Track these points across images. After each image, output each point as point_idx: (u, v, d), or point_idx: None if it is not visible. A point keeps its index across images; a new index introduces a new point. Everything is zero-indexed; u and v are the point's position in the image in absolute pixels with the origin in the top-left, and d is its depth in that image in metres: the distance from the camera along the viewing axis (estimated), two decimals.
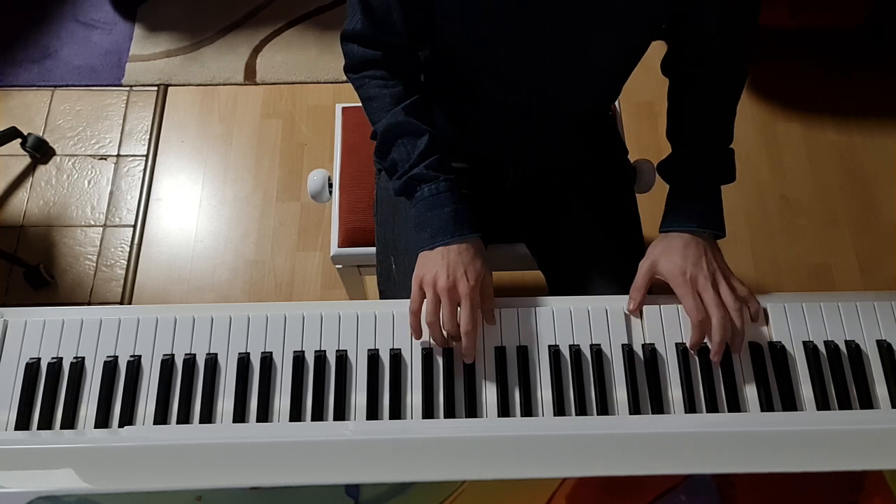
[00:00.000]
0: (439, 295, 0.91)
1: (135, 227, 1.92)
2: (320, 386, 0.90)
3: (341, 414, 0.89)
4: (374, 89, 1.01)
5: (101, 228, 1.92)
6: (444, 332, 0.91)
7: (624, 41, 0.99)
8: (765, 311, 0.95)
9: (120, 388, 0.90)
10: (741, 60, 1.03)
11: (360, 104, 1.06)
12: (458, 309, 0.92)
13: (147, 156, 2.02)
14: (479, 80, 1.05)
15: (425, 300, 0.93)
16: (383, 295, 1.15)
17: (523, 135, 1.12)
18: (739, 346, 0.92)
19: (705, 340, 0.92)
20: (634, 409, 0.89)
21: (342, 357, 0.92)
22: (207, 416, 0.89)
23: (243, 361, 0.91)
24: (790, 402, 0.90)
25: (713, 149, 1.02)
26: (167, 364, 0.91)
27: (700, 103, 1.03)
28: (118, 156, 2.02)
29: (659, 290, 0.97)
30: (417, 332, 0.93)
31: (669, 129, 1.06)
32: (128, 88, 2.12)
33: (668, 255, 0.96)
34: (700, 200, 0.99)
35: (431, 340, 0.93)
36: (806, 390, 0.91)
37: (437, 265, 0.93)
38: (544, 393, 0.91)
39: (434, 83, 1.11)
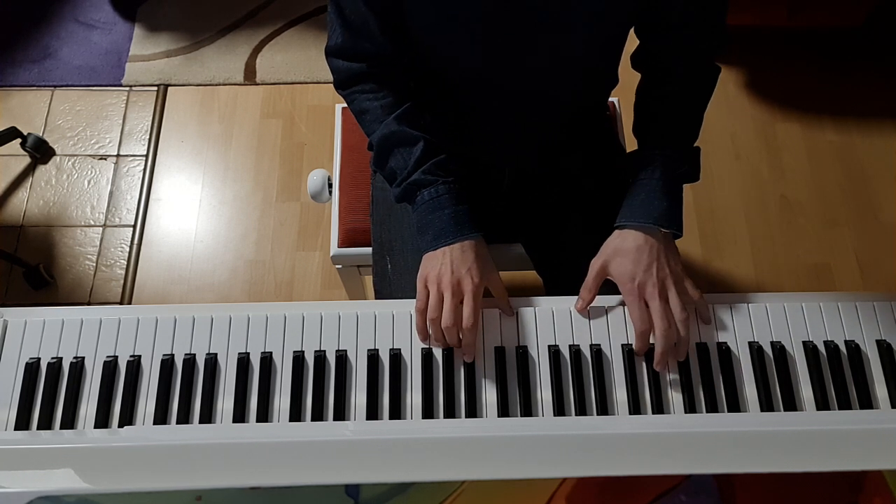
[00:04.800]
0: (443, 292, 0.92)
1: (135, 227, 1.92)
2: (320, 386, 0.90)
3: (341, 414, 0.89)
4: (364, 102, 1.02)
5: (100, 228, 1.92)
6: (444, 330, 0.91)
7: (598, 35, 0.98)
8: (764, 310, 0.95)
9: (120, 388, 0.90)
10: (710, 57, 1.02)
11: (356, 119, 1.06)
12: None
13: (147, 156, 2.02)
14: (461, 83, 1.05)
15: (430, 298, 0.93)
16: (379, 294, 1.16)
17: (513, 135, 1.12)
18: (683, 354, 0.91)
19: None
20: (634, 409, 0.89)
21: (342, 357, 0.92)
22: (207, 416, 0.89)
23: (243, 361, 0.91)
24: (790, 402, 0.90)
25: (675, 143, 1.00)
26: (167, 364, 0.91)
27: (667, 99, 1.02)
28: (118, 156, 2.02)
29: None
30: (423, 334, 0.93)
31: (635, 124, 1.05)
32: (128, 88, 2.12)
33: (620, 256, 0.95)
34: (658, 196, 0.96)
35: (433, 339, 0.93)
36: (806, 390, 0.91)
37: (441, 263, 0.94)
38: (544, 393, 0.91)
39: (419, 89, 1.11)
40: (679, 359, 0.91)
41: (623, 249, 0.95)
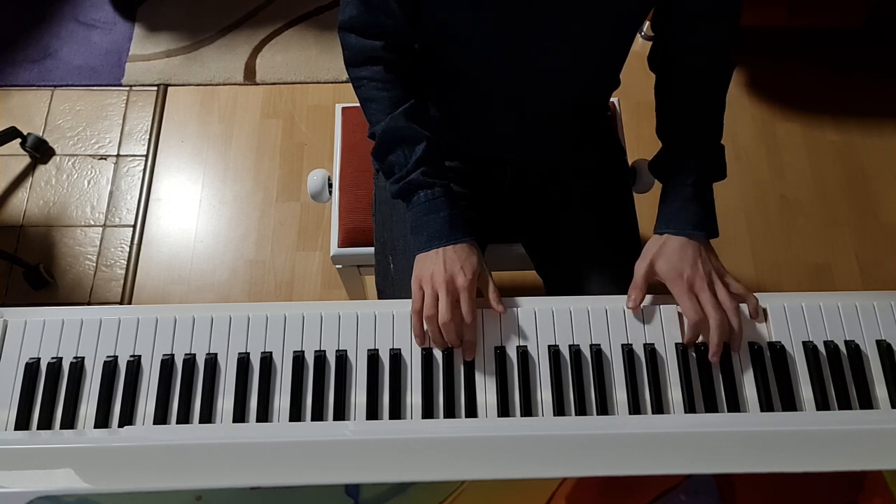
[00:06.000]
0: (437, 290, 0.92)
1: (135, 227, 1.92)
2: (320, 386, 0.90)
3: (341, 414, 0.89)
4: (373, 91, 1.01)
5: (100, 228, 1.92)
6: (441, 327, 0.91)
7: (610, 27, 0.99)
8: (764, 310, 0.95)
9: (120, 388, 0.90)
10: (727, 52, 1.02)
11: (360, 104, 1.06)
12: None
13: (147, 156, 2.02)
14: (470, 73, 1.05)
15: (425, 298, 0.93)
16: (382, 294, 1.16)
17: (518, 129, 1.12)
18: (738, 346, 0.92)
19: (700, 340, 0.93)
20: (634, 409, 0.89)
21: (342, 357, 0.92)
22: (207, 416, 0.89)
23: (243, 361, 0.91)
24: (790, 402, 0.90)
25: (702, 146, 1.02)
26: (167, 364, 0.91)
27: (687, 98, 1.03)
28: (118, 156, 2.02)
29: (656, 291, 0.97)
30: (420, 337, 0.93)
31: (658, 126, 1.06)
32: (128, 88, 2.12)
33: (664, 256, 0.97)
34: (693, 202, 0.99)
35: (431, 340, 0.93)
36: (806, 390, 0.91)
37: (434, 263, 0.94)
38: (544, 393, 0.91)
39: (427, 80, 1.11)
40: (735, 351, 0.93)
41: (666, 250, 0.97)
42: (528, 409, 0.90)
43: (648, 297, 0.97)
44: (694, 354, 0.93)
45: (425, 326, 0.93)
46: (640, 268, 0.98)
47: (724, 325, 0.91)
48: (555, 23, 0.95)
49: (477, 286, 0.95)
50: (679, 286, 0.94)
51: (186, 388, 0.90)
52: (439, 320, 0.91)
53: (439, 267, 0.94)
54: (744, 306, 0.95)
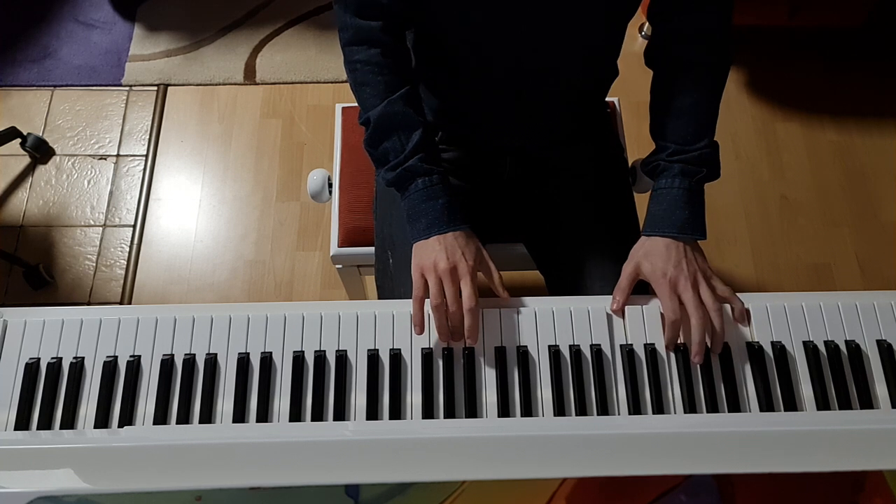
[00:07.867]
0: (441, 277, 0.92)
1: (134, 226, 1.92)
2: (320, 386, 0.90)
3: (341, 414, 0.89)
4: (368, 75, 1.00)
5: (100, 228, 1.92)
6: (448, 317, 0.91)
7: (604, 15, 0.99)
8: (765, 310, 0.95)
9: (120, 388, 0.90)
10: (717, 43, 1.01)
11: (352, 89, 1.04)
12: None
13: (147, 156, 2.02)
14: (468, 62, 1.05)
15: (428, 289, 0.93)
16: (380, 289, 1.16)
17: (517, 117, 1.12)
18: (718, 347, 0.92)
19: (681, 341, 0.93)
20: (634, 409, 0.89)
21: (342, 357, 0.92)
22: (207, 416, 0.89)
23: (243, 361, 0.91)
24: (790, 402, 0.90)
25: (691, 145, 1.00)
26: (167, 364, 0.91)
27: (677, 93, 1.02)
28: (118, 156, 2.02)
29: (651, 292, 0.97)
30: (420, 325, 0.93)
31: (651, 125, 1.05)
32: (127, 88, 2.12)
33: (649, 257, 0.97)
34: (680, 205, 0.98)
35: (433, 332, 0.93)
36: (806, 390, 0.91)
37: (434, 251, 0.95)
38: (544, 393, 0.91)
39: (424, 67, 1.11)
40: (714, 352, 0.92)
41: (651, 250, 0.97)
42: (528, 410, 0.89)
43: (646, 298, 0.97)
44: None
45: (427, 314, 0.93)
46: (626, 269, 0.98)
47: (703, 324, 0.91)
48: (551, 13, 0.96)
49: (479, 271, 0.96)
50: (662, 286, 0.94)
51: (186, 388, 0.90)
52: (449, 309, 0.91)
53: (441, 254, 0.94)
54: (728, 308, 0.95)
